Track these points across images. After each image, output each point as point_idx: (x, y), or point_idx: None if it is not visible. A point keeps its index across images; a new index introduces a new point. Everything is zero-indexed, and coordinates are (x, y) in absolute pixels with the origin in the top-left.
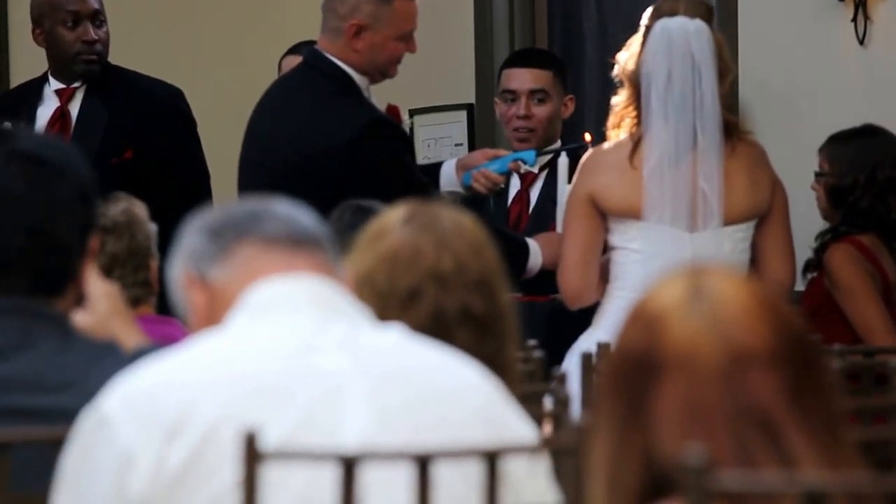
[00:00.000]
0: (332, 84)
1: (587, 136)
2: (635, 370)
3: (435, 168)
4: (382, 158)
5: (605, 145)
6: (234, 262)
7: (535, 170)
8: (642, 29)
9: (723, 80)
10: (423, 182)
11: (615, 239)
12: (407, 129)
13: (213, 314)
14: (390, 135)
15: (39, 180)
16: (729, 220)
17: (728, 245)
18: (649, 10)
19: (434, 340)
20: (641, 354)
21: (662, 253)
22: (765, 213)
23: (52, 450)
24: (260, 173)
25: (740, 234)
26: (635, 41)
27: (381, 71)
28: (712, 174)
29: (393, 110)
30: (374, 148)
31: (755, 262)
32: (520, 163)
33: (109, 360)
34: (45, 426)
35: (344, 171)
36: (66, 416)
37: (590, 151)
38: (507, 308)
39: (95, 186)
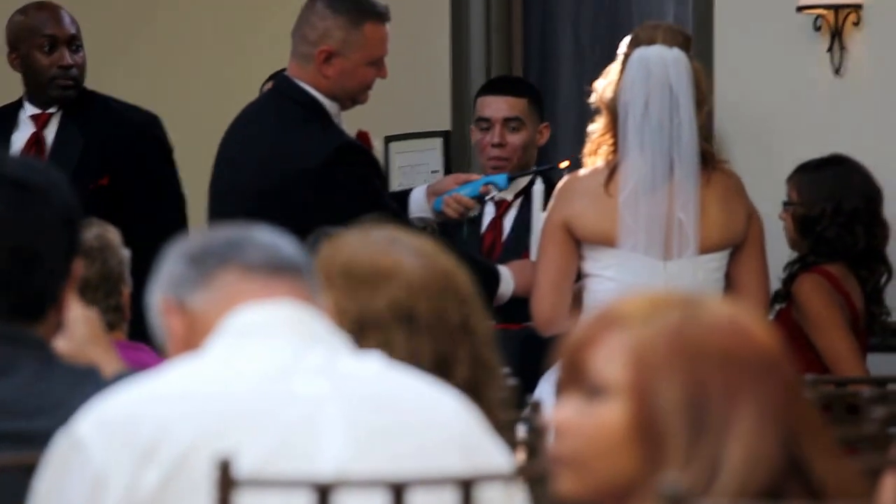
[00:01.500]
0: (301, 110)
1: (562, 164)
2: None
3: (404, 194)
4: (352, 184)
5: (581, 172)
6: (213, 289)
7: (510, 197)
8: (620, 57)
9: (700, 108)
10: (392, 208)
11: (589, 266)
12: (378, 156)
13: (191, 340)
14: (360, 160)
15: (24, 203)
16: (703, 250)
17: (701, 274)
18: (627, 39)
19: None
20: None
21: (636, 281)
22: (740, 243)
23: (26, 474)
24: (229, 200)
25: (714, 264)
26: (613, 69)
27: (352, 97)
28: (689, 204)
29: (363, 136)
30: (343, 173)
31: (729, 291)
32: (491, 187)
33: (90, 385)
34: (24, 451)
35: (313, 197)
36: (46, 441)
37: (565, 178)
38: (489, 360)
39: (80, 211)
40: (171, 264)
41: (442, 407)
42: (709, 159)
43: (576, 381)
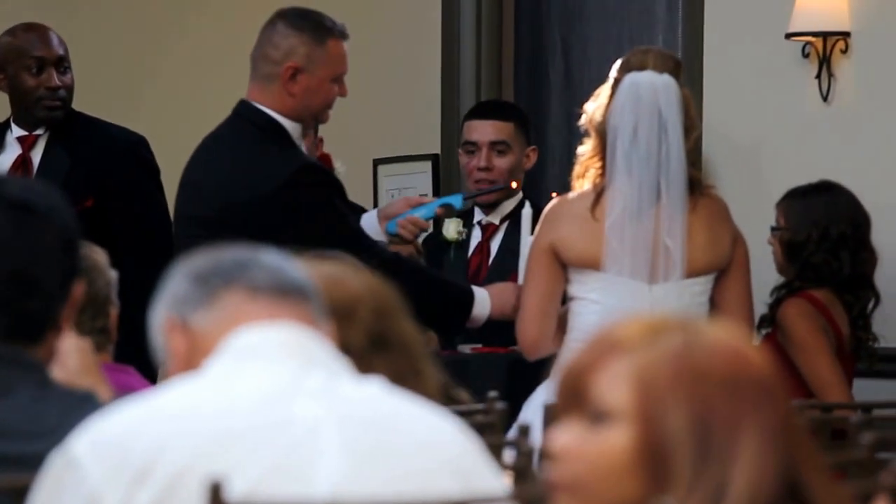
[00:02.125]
0: (261, 133)
1: (513, 184)
2: (565, 387)
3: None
4: (313, 204)
5: (569, 196)
6: (218, 309)
7: (497, 220)
8: (611, 81)
9: (688, 135)
10: (355, 229)
11: (574, 289)
12: (340, 178)
13: (193, 360)
14: (321, 181)
15: (25, 226)
16: (689, 274)
17: (687, 297)
18: (618, 63)
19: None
20: (570, 371)
21: (621, 304)
22: (725, 268)
23: (20, 497)
24: (192, 224)
25: (698, 288)
26: (603, 92)
27: (315, 115)
28: (676, 230)
29: (325, 158)
30: (304, 194)
31: (713, 314)
32: (447, 209)
33: (87, 409)
34: (20, 474)
35: (274, 219)
36: (42, 465)
37: (552, 202)
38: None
39: (79, 233)
40: (176, 283)
41: (439, 431)
42: (696, 185)
43: (577, 406)
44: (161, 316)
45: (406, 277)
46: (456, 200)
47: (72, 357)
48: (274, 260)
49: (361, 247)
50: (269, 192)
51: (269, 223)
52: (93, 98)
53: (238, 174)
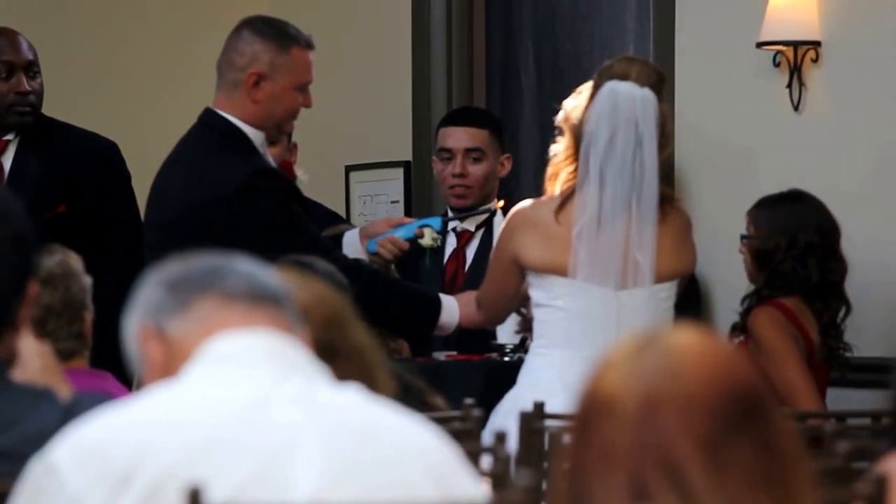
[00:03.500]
0: (222, 140)
1: (499, 203)
2: (579, 420)
3: (337, 237)
4: (267, 210)
5: (532, 202)
6: (193, 317)
7: (472, 228)
8: (591, 84)
9: (662, 151)
10: (312, 234)
11: (538, 296)
12: (302, 186)
13: (170, 368)
14: (276, 186)
15: None
16: (655, 281)
17: (653, 303)
18: (602, 66)
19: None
20: (581, 404)
21: (588, 311)
22: (686, 276)
23: None
24: (152, 231)
25: (664, 293)
26: (584, 92)
27: (278, 123)
28: (646, 242)
29: (286, 165)
30: (260, 198)
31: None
32: (426, 230)
33: (45, 405)
34: None
35: (230, 223)
36: (3, 458)
37: (516, 207)
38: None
39: (32, 231)
40: (149, 291)
41: (418, 438)
42: (666, 200)
43: None
44: (135, 325)
45: (365, 284)
46: (435, 222)
47: (33, 359)
48: (247, 266)
49: (319, 252)
50: (225, 195)
51: (223, 227)
52: (61, 103)
53: (196, 179)
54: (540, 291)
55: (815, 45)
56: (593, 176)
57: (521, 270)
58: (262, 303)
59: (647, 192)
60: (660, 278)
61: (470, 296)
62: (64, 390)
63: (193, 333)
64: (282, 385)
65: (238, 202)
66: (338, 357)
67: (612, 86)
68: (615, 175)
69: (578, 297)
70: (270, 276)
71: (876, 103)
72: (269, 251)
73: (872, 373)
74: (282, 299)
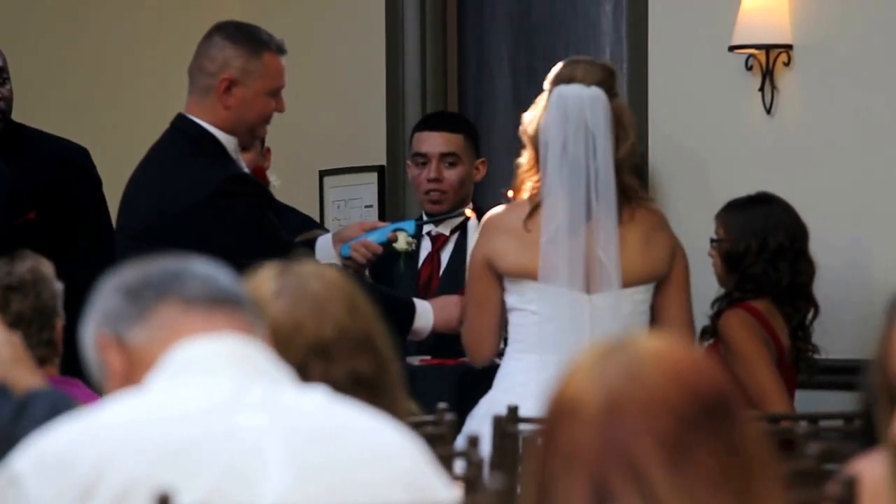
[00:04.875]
0: (194, 146)
1: (468, 211)
2: (545, 424)
3: (311, 242)
4: (241, 213)
5: (503, 208)
6: (153, 324)
7: (447, 232)
8: (545, 92)
9: (620, 145)
10: (285, 240)
11: (512, 300)
12: (274, 191)
13: (132, 376)
14: (248, 191)
15: None
16: (627, 283)
17: (627, 306)
18: (550, 74)
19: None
20: (547, 408)
21: (561, 314)
22: (663, 277)
23: None
24: (125, 238)
25: (639, 297)
26: (540, 102)
27: (251, 129)
28: (609, 242)
29: (259, 170)
30: (232, 203)
31: (654, 325)
32: (399, 234)
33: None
34: None
35: (203, 228)
36: None
37: (488, 214)
38: (391, 356)
39: None
40: (106, 299)
41: (386, 441)
42: (632, 195)
43: None
44: (93, 333)
45: None
46: (409, 226)
47: (3, 348)
48: (204, 269)
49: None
50: (198, 202)
51: (196, 232)
52: (32, 109)
53: (168, 186)
54: (513, 296)
55: (787, 48)
56: (554, 183)
57: (496, 277)
58: (222, 305)
59: (605, 192)
60: (631, 281)
61: (445, 300)
62: (35, 381)
63: (155, 341)
64: (246, 390)
65: (210, 208)
66: (387, 374)
67: (559, 91)
68: (573, 179)
69: (549, 301)
70: (227, 277)
71: (847, 106)
72: (241, 256)
73: (843, 374)
74: (241, 300)
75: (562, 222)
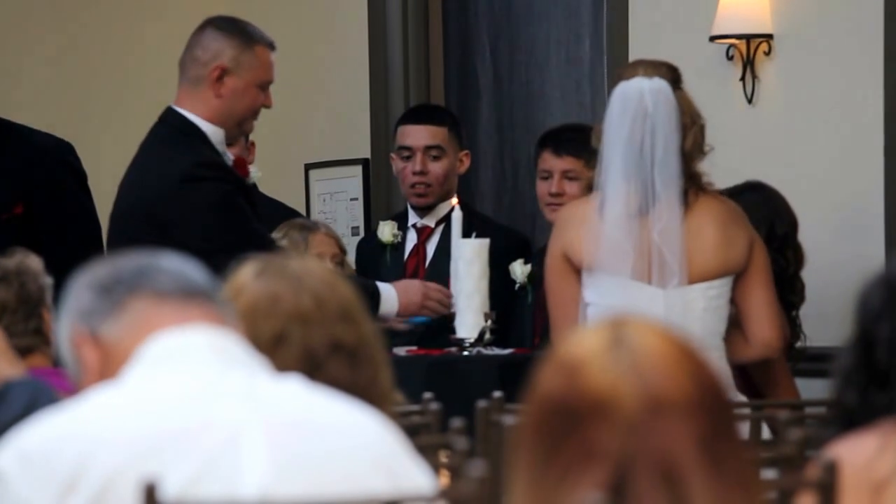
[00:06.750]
0: (177, 134)
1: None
2: (554, 417)
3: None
4: (208, 200)
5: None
6: (126, 318)
7: (432, 223)
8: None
9: (687, 132)
10: (254, 227)
11: (589, 295)
12: (257, 183)
13: (107, 370)
14: (221, 176)
15: None
16: (698, 277)
17: (702, 302)
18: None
19: (308, 377)
20: (560, 401)
21: (635, 309)
22: (741, 272)
23: None
24: (113, 225)
25: (713, 292)
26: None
27: (239, 121)
28: (671, 233)
29: (240, 162)
30: (203, 185)
31: (740, 322)
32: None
33: None
34: None
35: (176, 213)
36: None
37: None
38: (373, 335)
39: None
40: (78, 294)
41: (364, 429)
42: (696, 180)
43: None
44: (67, 329)
45: None
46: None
47: None
48: (174, 263)
49: (261, 247)
50: (171, 185)
51: (170, 217)
52: (16, 104)
53: (145, 172)
54: (590, 290)
55: (768, 37)
56: (616, 173)
57: (574, 271)
58: (194, 298)
59: (668, 178)
60: (703, 275)
61: (407, 283)
62: (15, 371)
63: (128, 335)
64: (223, 380)
65: (183, 191)
66: (368, 347)
67: (620, 87)
68: (635, 167)
69: (622, 296)
70: (197, 270)
71: (828, 95)
72: (212, 240)
73: (829, 362)
74: (212, 293)
75: (624, 210)
